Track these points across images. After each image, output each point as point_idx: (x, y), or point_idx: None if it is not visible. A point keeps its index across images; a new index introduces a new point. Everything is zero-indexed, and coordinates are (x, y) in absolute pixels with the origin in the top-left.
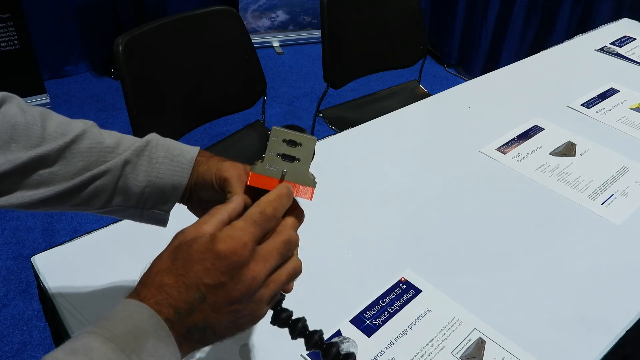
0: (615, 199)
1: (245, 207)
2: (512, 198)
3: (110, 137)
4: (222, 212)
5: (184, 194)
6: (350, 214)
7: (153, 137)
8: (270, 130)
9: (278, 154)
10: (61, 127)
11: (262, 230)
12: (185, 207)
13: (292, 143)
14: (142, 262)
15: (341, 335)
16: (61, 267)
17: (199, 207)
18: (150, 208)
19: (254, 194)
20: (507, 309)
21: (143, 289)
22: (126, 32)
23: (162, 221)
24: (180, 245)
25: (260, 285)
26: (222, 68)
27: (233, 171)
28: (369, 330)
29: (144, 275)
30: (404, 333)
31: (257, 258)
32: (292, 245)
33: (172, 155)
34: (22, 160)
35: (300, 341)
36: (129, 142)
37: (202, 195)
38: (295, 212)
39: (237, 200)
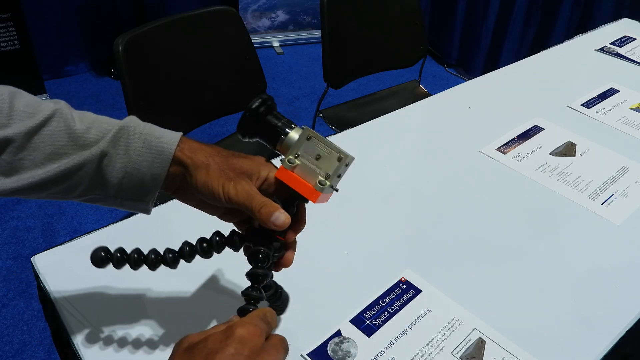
0: (615, 199)
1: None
2: (512, 198)
3: (82, 120)
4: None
5: (169, 186)
6: (350, 214)
7: (130, 122)
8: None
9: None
10: (30, 107)
11: (267, 329)
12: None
13: (324, 148)
14: None
15: (341, 335)
16: (61, 267)
17: (193, 200)
18: (131, 199)
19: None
20: (507, 309)
21: None
22: (126, 32)
23: (145, 210)
24: (190, 346)
25: None
26: (222, 68)
27: (243, 192)
28: (369, 330)
29: None
30: (404, 333)
31: (273, 345)
32: (286, 345)
33: (150, 145)
34: None
35: (302, 343)
36: (102, 127)
37: (201, 199)
38: (297, 223)
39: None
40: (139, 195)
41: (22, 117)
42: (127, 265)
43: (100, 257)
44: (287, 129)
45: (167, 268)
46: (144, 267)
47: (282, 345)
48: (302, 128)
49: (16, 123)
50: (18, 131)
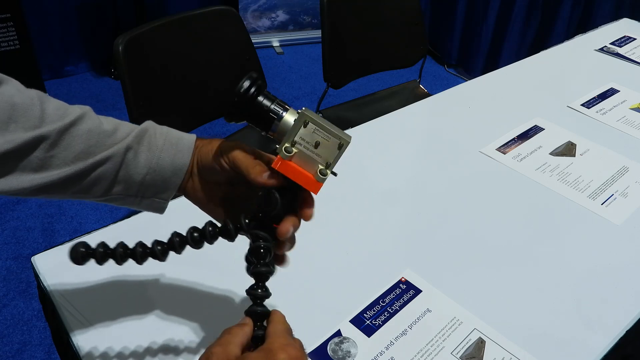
0: (615, 199)
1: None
2: (512, 198)
3: (108, 122)
4: (240, 335)
5: (186, 180)
6: (350, 214)
7: (150, 124)
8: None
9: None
10: (60, 110)
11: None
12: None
13: (324, 134)
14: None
15: (341, 335)
16: (61, 267)
17: (201, 189)
18: (150, 197)
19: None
20: (507, 309)
21: None
22: (126, 32)
23: (160, 209)
24: None
25: None
26: (222, 68)
27: (240, 152)
28: (369, 330)
29: None
30: (404, 333)
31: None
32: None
33: (171, 142)
34: (22, 140)
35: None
36: (126, 128)
37: (205, 178)
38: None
39: (250, 324)
40: (158, 193)
41: (53, 120)
42: (131, 268)
43: (81, 254)
44: (282, 112)
45: (170, 265)
46: (144, 266)
47: (303, 352)
48: (299, 112)
49: (48, 124)
50: (51, 129)
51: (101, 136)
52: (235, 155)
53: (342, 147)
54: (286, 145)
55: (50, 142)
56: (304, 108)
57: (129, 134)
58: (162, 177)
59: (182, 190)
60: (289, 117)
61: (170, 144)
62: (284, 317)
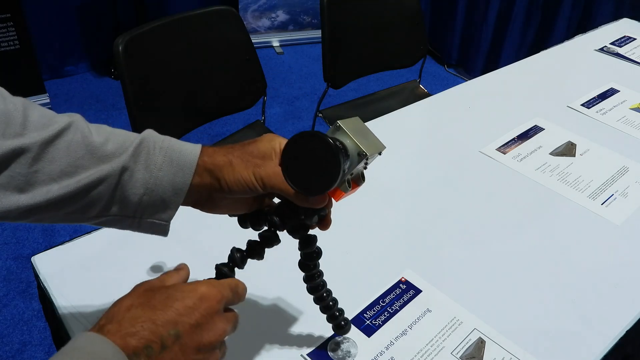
0: (615, 199)
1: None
2: (512, 198)
3: (99, 132)
4: (174, 278)
5: (198, 199)
6: (350, 214)
7: (148, 135)
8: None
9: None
10: (44, 118)
11: (232, 298)
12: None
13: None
14: (142, 262)
15: (341, 335)
16: (61, 267)
17: (224, 205)
18: (149, 218)
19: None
20: (507, 309)
21: (108, 324)
22: (126, 32)
23: (163, 231)
24: (152, 287)
25: (221, 343)
26: (222, 68)
27: (276, 175)
28: (369, 330)
29: (108, 312)
30: (404, 333)
31: (226, 316)
32: (237, 323)
33: (171, 159)
34: (2, 149)
35: (302, 343)
36: (119, 140)
37: (230, 196)
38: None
39: (186, 269)
40: (158, 214)
41: (36, 127)
42: (131, 268)
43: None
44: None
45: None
46: (144, 266)
47: (233, 321)
48: (363, 153)
49: (31, 133)
50: (34, 141)
51: (89, 148)
52: (276, 182)
53: (380, 153)
54: (346, 180)
55: (32, 156)
56: (340, 124)
57: (125, 151)
58: (161, 197)
59: (199, 207)
60: (357, 166)
61: (170, 161)
62: (241, 285)
